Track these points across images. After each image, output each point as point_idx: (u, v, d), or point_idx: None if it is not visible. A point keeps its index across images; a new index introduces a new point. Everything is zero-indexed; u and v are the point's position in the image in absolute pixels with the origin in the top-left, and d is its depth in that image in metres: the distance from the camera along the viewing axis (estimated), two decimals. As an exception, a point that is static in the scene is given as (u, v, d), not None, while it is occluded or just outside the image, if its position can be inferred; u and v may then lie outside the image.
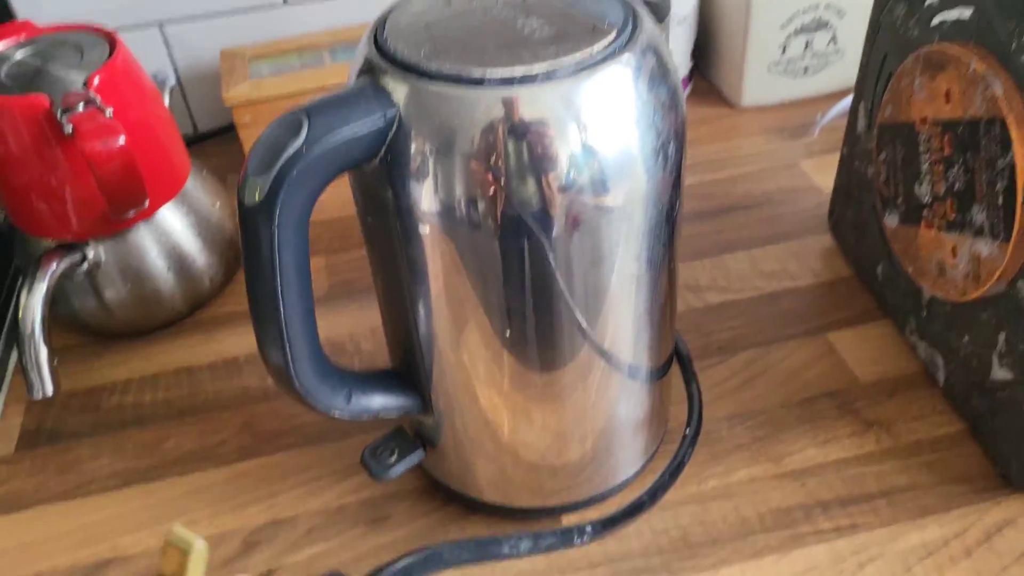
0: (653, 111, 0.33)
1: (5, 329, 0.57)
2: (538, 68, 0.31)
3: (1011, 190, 0.38)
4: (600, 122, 0.32)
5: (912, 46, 0.45)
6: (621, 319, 0.38)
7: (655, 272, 0.37)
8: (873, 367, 0.50)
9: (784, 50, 0.69)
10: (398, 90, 0.32)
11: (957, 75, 0.40)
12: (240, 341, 0.56)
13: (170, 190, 0.54)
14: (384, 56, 0.33)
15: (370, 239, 0.38)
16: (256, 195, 0.31)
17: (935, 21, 0.43)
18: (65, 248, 0.51)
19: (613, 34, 0.33)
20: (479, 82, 0.31)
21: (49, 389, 0.48)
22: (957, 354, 0.45)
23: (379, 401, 0.40)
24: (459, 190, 0.32)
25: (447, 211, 0.33)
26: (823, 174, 0.65)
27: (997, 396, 0.42)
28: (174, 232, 0.55)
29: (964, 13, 0.41)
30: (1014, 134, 0.37)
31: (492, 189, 0.32)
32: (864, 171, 0.52)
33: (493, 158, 0.32)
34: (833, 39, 0.69)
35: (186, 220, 0.55)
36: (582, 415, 0.40)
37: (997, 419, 0.43)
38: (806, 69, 0.70)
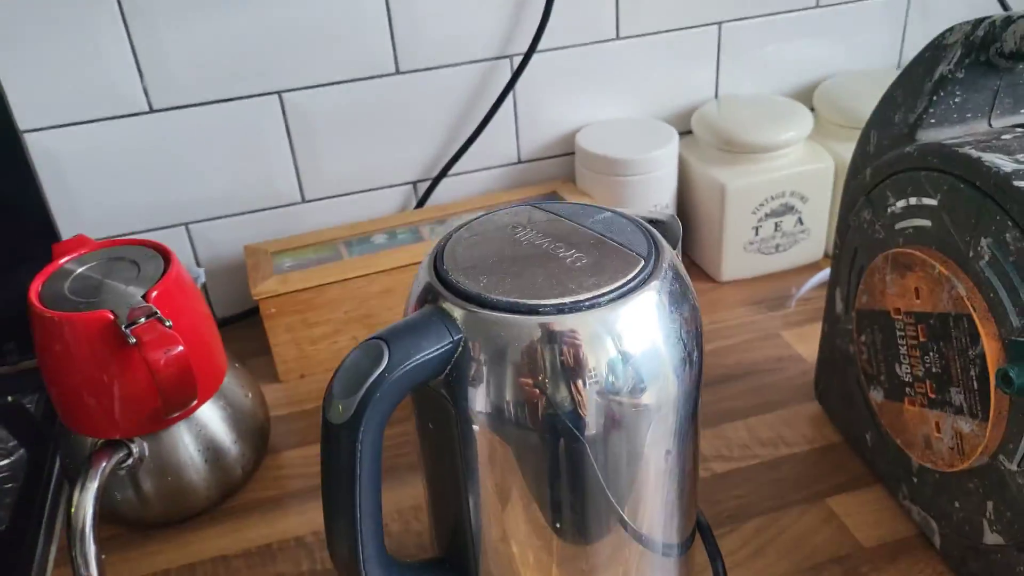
0: (679, 326, 0.39)
1: (43, 525, 0.59)
2: (582, 297, 0.37)
3: (984, 376, 0.43)
4: (635, 339, 0.37)
5: (880, 246, 0.52)
6: (653, 506, 0.42)
7: (683, 462, 0.42)
8: (873, 531, 0.54)
9: (757, 232, 0.77)
10: (463, 319, 0.37)
11: (924, 275, 0.47)
12: (272, 528, 0.58)
13: (213, 387, 0.57)
14: (446, 286, 0.38)
15: (426, 441, 0.42)
16: (341, 415, 0.35)
17: (899, 226, 0.50)
18: (113, 445, 0.54)
19: (641, 263, 0.39)
20: (534, 310, 0.36)
21: (95, 585, 0.50)
22: (950, 519, 0.50)
23: (434, 591, 0.42)
24: (513, 401, 0.37)
25: (501, 416, 0.37)
26: (804, 343, 0.71)
27: (991, 559, 0.47)
28: (210, 425, 0.58)
29: (924, 223, 0.48)
30: (981, 328, 0.43)
31: (542, 399, 0.37)
32: (846, 348, 0.58)
33: (542, 372, 0.36)
34: (799, 220, 0.77)
35: (222, 413, 0.59)
36: (621, 594, 0.44)
37: (993, 580, 0.47)
38: (777, 247, 0.78)
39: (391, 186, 0.78)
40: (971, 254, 0.44)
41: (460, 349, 0.37)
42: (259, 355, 0.72)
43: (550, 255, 0.40)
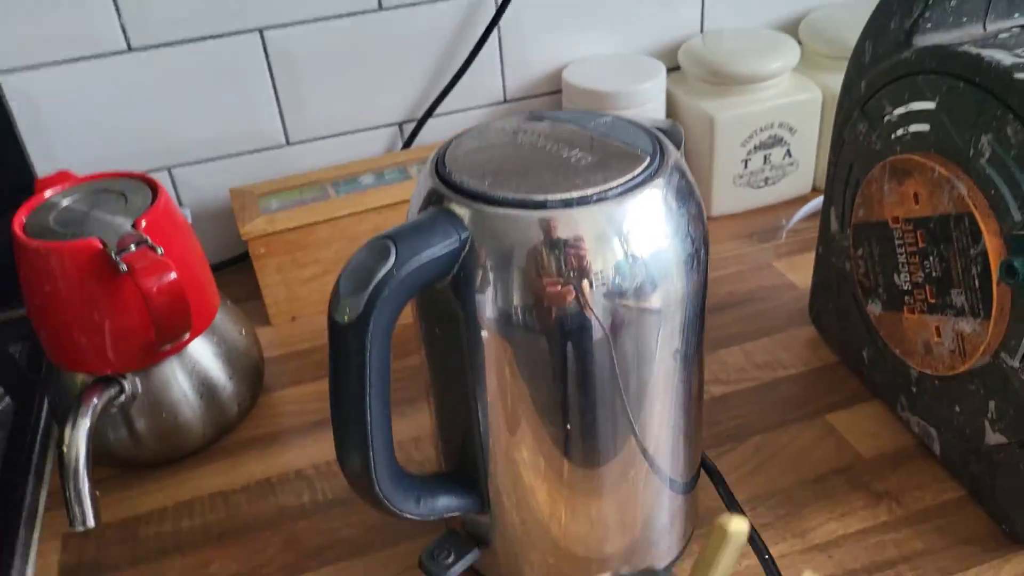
0: (687, 223, 0.38)
1: (32, 470, 0.58)
2: (590, 191, 0.36)
3: (986, 274, 0.44)
4: (642, 235, 0.37)
5: (877, 157, 0.51)
6: (664, 410, 0.42)
7: (690, 364, 0.42)
8: (873, 443, 0.54)
9: (746, 164, 0.76)
10: (468, 217, 0.36)
11: (923, 180, 0.47)
12: (270, 463, 0.58)
13: (205, 321, 0.56)
14: (451, 187, 0.38)
15: (432, 348, 0.41)
16: (348, 314, 0.35)
17: (895, 135, 0.50)
18: (105, 382, 0.53)
19: (647, 159, 0.38)
20: (541, 205, 0.36)
21: (91, 521, 0.49)
22: (950, 424, 0.50)
23: (443, 502, 0.42)
24: (521, 299, 0.36)
25: (509, 317, 0.37)
26: (795, 271, 0.71)
27: (993, 459, 0.47)
28: (204, 361, 0.57)
29: (922, 128, 0.48)
30: (982, 226, 0.43)
31: (553, 297, 0.36)
32: (842, 266, 0.58)
33: (553, 269, 0.36)
34: (788, 153, 0.77)
35: (216, 350, 0.58)
36: (630, 505, 0.43)
37: (996, 481, 0.47)
38: (767, 180, 0.78)
39: (377, 127, 0.77)
40: (971, 153, 0.44)
41: (467, 248, 0.36)
42: (249, 299, 0.71)
43: (554, 155, 0.39)
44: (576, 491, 0.42)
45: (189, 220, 0.68)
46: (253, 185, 0.73)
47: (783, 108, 0.75)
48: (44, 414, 0.62)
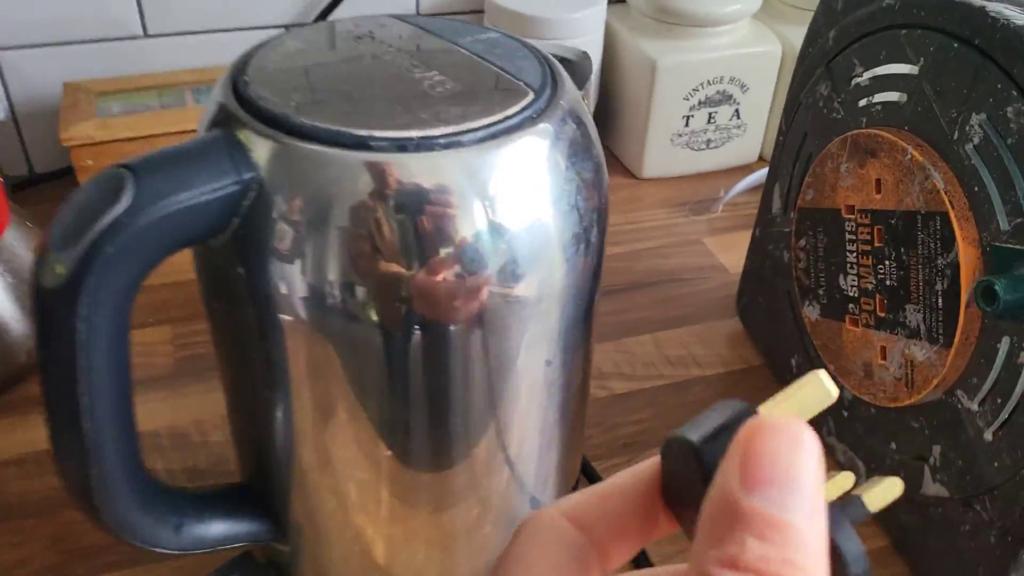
0: (575, 189, 0.28)
1: None
2: (440, 132, 0.25)
3: (953, 291, 0.34)
4: (512, 200, 0.26)
5: (837, 128, 0.42)
6: (527, 430, 0.32)
7: (569, 375, 0.32)
8: (789, 471, 0.46)
9: (687, 122, 0.66)
10: (260, 148, 0.25)
11: (890, 163, 0.37)
12: (61, 428, 0.46)
13: (-21, 245, 0.44)
14: (244, 105, 0.26)
15: (214, 324, 0.30)
16: (56, 276, 0.24)
17: (863, 103, 0.40)
18: None
19: (531, 96, 0.27)
20: (365, 144, 0.25)
21: None
22: (882, 461, 0.41)
23: (219, 528, 0.32)
24: (334, 274, 0.26)
25: (317, 299, 0.26)
26: (728, 252, 0.61)
27: (929, 513, 0.39)
28: (-17, 295, 0.45)
29: (897, 97, 0.38)
30: (957, 230, 0.34)
31: (377, 275, 0.26)
32: (779, 255, 0.48)
33: (378, 238, 0.25)
34: (736, 113, 0.67)
35: (1, 281, 0.46)
36: (476, 544, 0.34)
37: (929, 538, 0.39)
38: (709, 142, 0.68)
39: (257, 28, 0.64)
40: (955, 136, 0.34)
41: (255, 195, 0.25)
42: (79, 220, 0.58)
43: (403, 76, 0.28)
44: (406, 516, 0.32)
45: (3, 116, 0.55)
46: (93, 81, 0.59)
47: (737, 60, 0.64)
48: None
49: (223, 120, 0.26)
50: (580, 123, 0.29)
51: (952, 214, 0.34)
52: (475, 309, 0.27)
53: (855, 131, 0.39)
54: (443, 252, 0.26)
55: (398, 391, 0.29)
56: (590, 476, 0.44)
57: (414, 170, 0.25)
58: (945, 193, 0.34)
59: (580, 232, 0.28)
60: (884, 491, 0.17)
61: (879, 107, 0.39)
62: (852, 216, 0.40)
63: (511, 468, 0.32)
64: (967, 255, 0.34)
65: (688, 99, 0.65)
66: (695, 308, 0.57)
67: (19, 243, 0.47)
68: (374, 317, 0.27)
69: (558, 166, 0.27)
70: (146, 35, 0.62)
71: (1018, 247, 0.32)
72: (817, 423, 0.46)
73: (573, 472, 0.37)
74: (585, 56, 0.33)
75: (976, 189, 0.34)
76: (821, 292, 0.43)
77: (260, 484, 0.33)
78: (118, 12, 0.61)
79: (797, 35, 0.64)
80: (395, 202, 0.25)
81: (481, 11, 0.67)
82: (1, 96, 0.61)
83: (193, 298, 0.54)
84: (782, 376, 0.50)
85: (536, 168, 0.27)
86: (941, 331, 0.35)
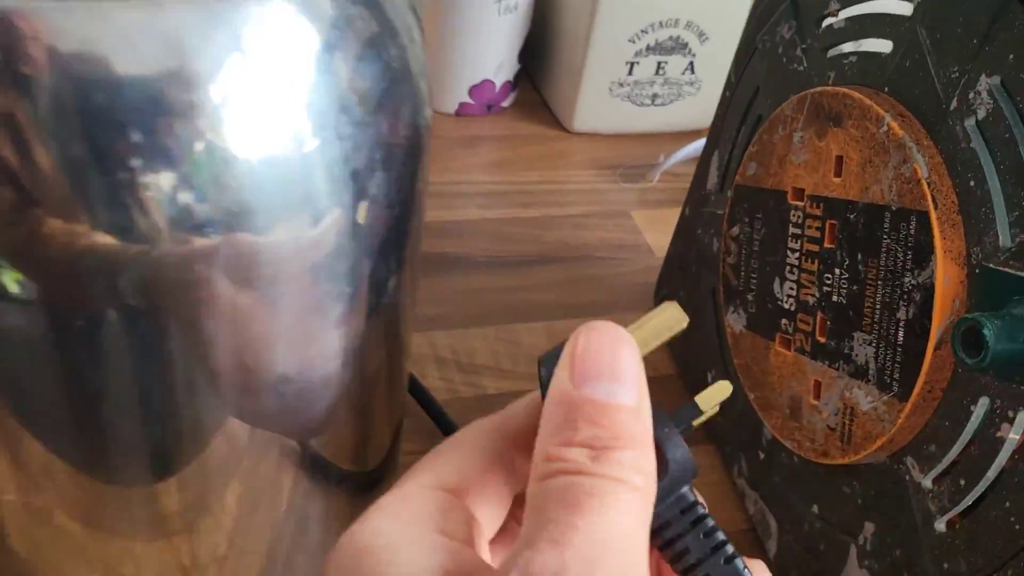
0: (356, 102, 0.17)
1: None
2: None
3: (920, 324, 0.24)
4: (248, 97, 0.16)
5: (796, 83, 0.31)
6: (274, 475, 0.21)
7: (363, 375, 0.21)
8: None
9: (631, 69, 0.55)
10: None
11: (859, 136, 0.27)
12: None
13: None
14: None
15: None
16: None
17: (834, 52, 0.30)
18: None
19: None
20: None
21: None
22: (799, 525, 0.32)
23: None
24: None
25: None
26: (657, 230, 0.51)
27: (848, 606, 0.29)
28: None
29: (881, 46, 0.27)
30: (938, 239, 0.24)
31: (17, 205, 0.15)
32: (708, 243, 0.38)
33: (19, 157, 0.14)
34: (691, 67, 0.56)
35: None
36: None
37: (843, 638, 0.30)
38: (655, 97, 0.57)
39: None
40: (953, 104, 0.24)
41: None
42: None
43: None
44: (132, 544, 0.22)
45: None
46: None
47: (697, 2, 0.53)
48: None
49: None
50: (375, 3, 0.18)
51: (933, 215, 0.24)
52: (185, 270, 0.17)
53: (818, 88, 0.29)
54: (136, 182, 0.15)
55: (62, 390, 0.18)
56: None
57: (65, 27, 0.14)
58: (927, 184, 0.24)
59: (359, 169, 0.17)
60: (715, 392, 0.19)
61: (853, 59, 0.29)
62: (800, 203, 0.30)
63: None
64: (947, 275, 0.24)
65: (634, 42, 0.54)
66: (606, 295, 0.47)
67: None
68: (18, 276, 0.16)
69: (325, 58, 0.17)
70: None
71: (1021, 274, 0.22)
72: (729, 460, 0.37)
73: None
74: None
75: (971, 184, 0.24)
76: (750, 298, 0.33)
77: None
78: None
79: (771, -21, 0.53)
80: (45, 91, 0.14)
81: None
82: None
83: None
84: (695, 389, 0.40)
85: (289, 50, 0.16)
86: (897, 375, 0.25)
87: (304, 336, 0.20)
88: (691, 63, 0.56)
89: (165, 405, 0.19)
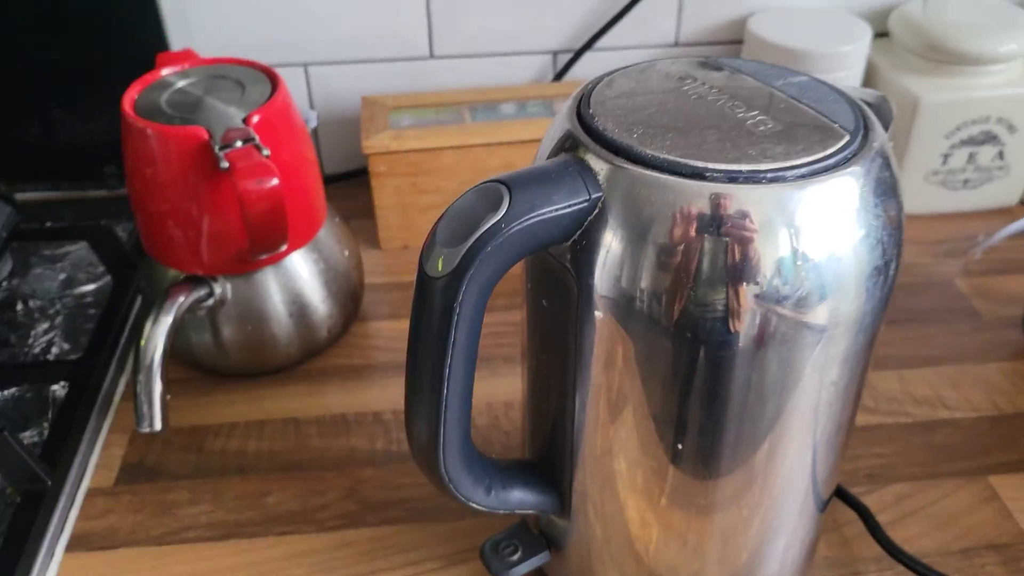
0: (881, 226, 0.30)
1: (116, 355, 0.56)
2: (765, 166, 0.28)
3: None
4: (822, 232, 0.29)
5: None
6: (798, 446, 0.34)
7: (844, 400, 0.34)
8: (1046, 524, 0.45)
9: (945, 160, 0.65)
10: (605, 173, 0.29)
11: None
12: (350, 398, 0.54)
13: (307, 235, 0.52)
14: (590, 133, 0.31)
15: (536, 318, 0.35)
16: (441, 266, 0.29)
17: None
18: (194, 281, 0.49)
19: (847, 137, 0.30)
20: (700, 174, 0.28)
21: (158, 424, 0.46)
22: None
23: (518, 496, 0.36)
24: (650, 283, 0.29)
25: (632, 304, 0.30)
26: (982, 298, 0.60)
27: None
28: (300, 278, 0.53)
29: None
30: None
31: (689, 288, 0.29)
32: None
33: (698, 255, 0.29)
34: (1000, 154, 0.65)
35: (315, 267, 0.53)
36: (736, 540, 0.36)
37: None
38: (966, 182, 0.66)
39: (530, 53, 0.70)
40: None
41: (597, 211, 0.29)
42: (363, 218, 0.67)
43: (726, 115, 0.31)
44: (675, 513, 0.35)
45: (313, 124, 0.64)
46: (387, 96, 0.67)
47: (1006, 100, 0.63)
48: (138, 300, 0.60)
49: (570, 145, 0.31)
50: (887, 163, 0.31)
51: None
52: (772, 329, 0.30)
53: None
54: (751, 274, 0.29)
55: (686, 395, 0.32)
56: (843, 497, 0.45)
57: (739, 199, 0.28)
58: None
59: (881, 265, 0.30)
60: None
61: None
62: None
63: (782, 480, 0.34)
64: None
65: (949, 137, 0.64)
66: (944, 350, 0.56)
67: (329, 236, 0.55)
68: (674, 326, 0.30)
69: (867, 203, 0.29)
70: (432, 56, 0.70)
71: None
72: None
73: (829, 492, 0.39)
74: (884, 100, 0.35)
75: None
76: None
77: (547, 463, 0.37)
78: (410, 35, 0.69)
79: (1078, 77, 0.62)
80: (722, 227, 0.28)
81: (740, 42, 0.70)
82: (307, 102, 0.71)
83: (507, 292, 0.60)
84: None
85: (848, 205, 0.29)
86: None
87: (832, 371, 0.32)
88: (1000, 151, 0.65)
89: (741, 409, 0.32)
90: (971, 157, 0.65)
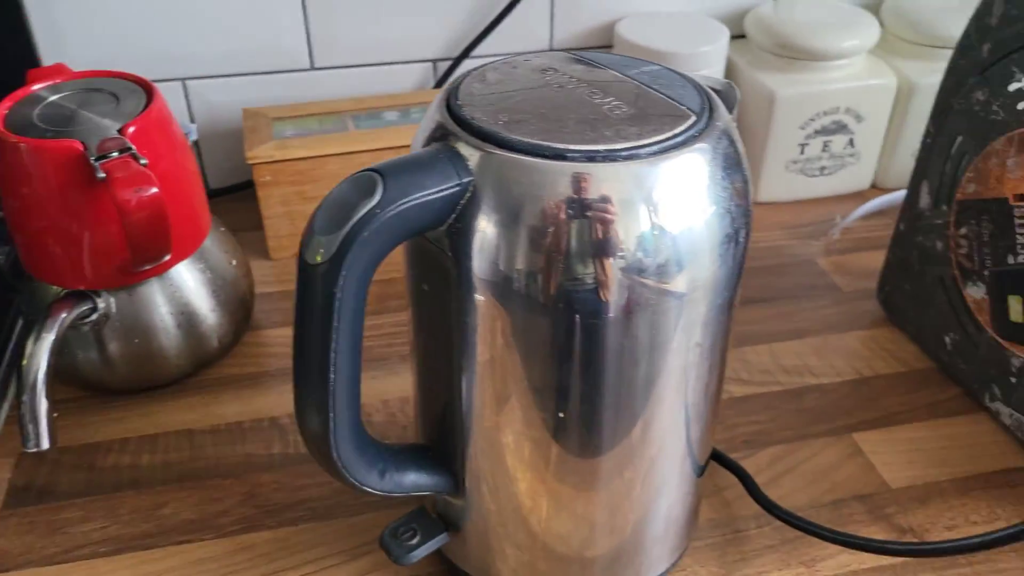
0: (728, 197, 0.33)
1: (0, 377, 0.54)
2: (620, 145, 0.31)
3: None
4: (676, 205, 0.31)
5: (999, 128, 0.46)
6: (672, 407, 0.36)
7: (710, 361, 0.36)
8: (903, 472, 0.49)
9: (803, 150, 0.70)
10: (475, 159, 0.31)
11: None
12: (245, 406, 0.54)
13: (191, 245, 0.52)
14: (459, 123, 0.32)
15: (419, 304, 0.36)
16: (320, 255, 0.30)
17: (1022, 105, 0.44)
18: (76, 297, 0.49)
19: (693, 118, 0.32)
20: (561, 155, 0.30)
21: (45, 443, 0.45)
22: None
23: (412, 478, 0.37)
24: (522, 261, 0.31)
25: (508, 283, 0.32)
26: (842, 273, 0.65)
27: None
28: (187, 288, 0.53)
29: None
30: None
31: (560, 264, 0.31)
32: (930, 245, 0.52)
33: (562, 231, 0.31)
34: (850, 142, 0.71)
35: (201, 277, 0.53)
36: (622, 506, 0.39)
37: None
38: (823, 169, 0.72)
39: (410, 61, 0.72)
40: None
41: (469, 194, 0.31)
42: (252, 230, 0.66)
43: (585, 102, 0.34)
44: (563, 484, 0.37)
45: (193, 137, 0.64)
46: (268, 108, 0.68)
47: (852, 92, 0.68)
48: (19, 325, 0.58)
49: (442, 136, 0.32)
50: (732, 141, 0.34)
51: None
52: (638, 298, 0.32)
53: (1021, 129, 0.44)
54: (615, 247, 0.31)
55: (564, 365, 0.34)
56: (722, 462, 0.48)
57: (600, 176, 0.30)
58: None
59: (732, 233, 0.33)
60: None
61: None
62: (1022, 203, 0.44)
63: (660, 442, 0.37)
64: None
65: (804, 128, 0.69)
66: (809, 323, 0.60)
67: (215, 246, 0.55)
68: (548, 301, 0.32)
69: (715, 177, 0.32)
70: (313, 67, 0.70)
71: None
72: (976, 390, 0.51)
73: (705, 455, 0.42)
74: (730, 86, 0.38)
75: None
76: (986, 273, 0.47)
77: (440, 444, 0.39)
78: (290, 47, 0.69)
79: (912, 69, 0.68)
80: (579, 203, 0.30)
81: (610, 46, 0.73)
82: (187, 116, 0.70)
83: (393, 294, 0.61)
84: (935, 355, 0.55)
85: (697, 179, 0.32)
86: None
87: (695, 333, 0.34)
88: (851, 139, 0.70)
89: (618, 376, 0.34)
90: (825, 146, 0.70)
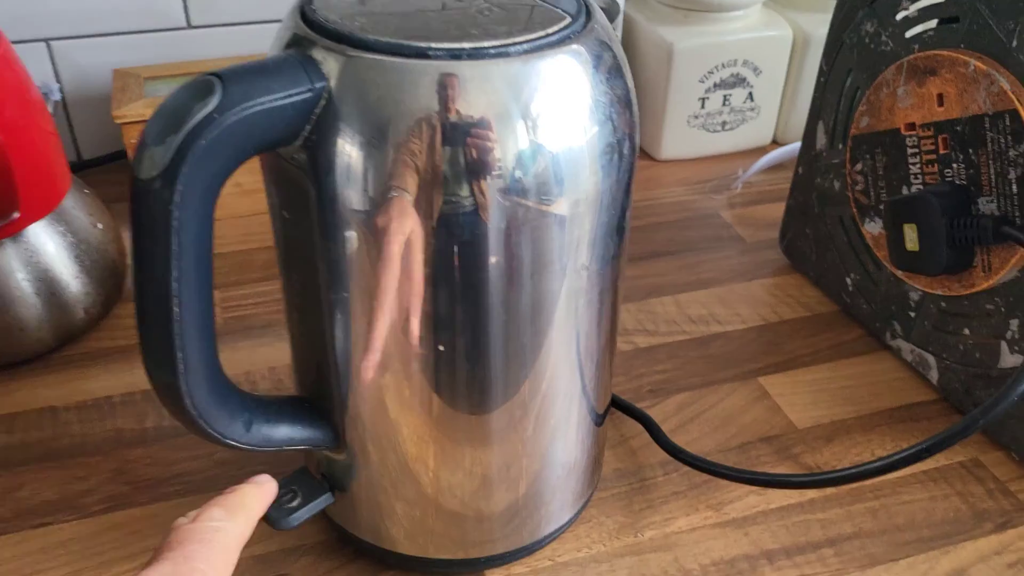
0: (609, 103, 0.30)
1: None
2: (488, 43, 0.28)
3: None
4: (553, 110, 0.29)
5: (887, 59, 0.45)
6: (564, 340, 0.34)
7: (603, 286, 0.34)
8: (808, 412, 0.48)
9: (703, 104, 0.69)
10: (329, 62, 0.28)
11: (952, 77, 0.41)
12: (116, 380, 0.49)
13: (45, 205, 0.47)
14: (314, 28, 0.29)
15: (283, 236, 0.33)
16: (154, 167, 0.26)
17: (911, 33, 0.44)
18: (-89, 262, 0.44)
19: (568, 20, 0.30)
20: (423, 53, 0.28)
21: None
22: (955, 349, 0.45)
23: (284, 432, 0.34)
24: (388, 179, 0.28)
25: (374, 203, 0.29)
26: (745, 225, 0.64)
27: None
28: (46, 253, 0.48)
29: (950, 21, 0.42)
30: (1026, 124, 0.37)
31: (427, 178, 0.28)
32: (828, 186, 0.52)
33: (430, 143, 0.28)
34: (750, 96, 0.70)
35: (61, 241, 0.49)
36: (515, 454, 0.36)
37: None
38: (724, 124, 0.71)
39: (294, 19, 0.68)
40: (1014, 44, 0.38)
41: (324, 102, 0.28)
42: (126, 200, 0.62)
43: (450, 4, 0.31)
44: (449, 428, 0.34)
45: (55, 97, 0.59)
46: (142, 67, 0.63)
47: (749, 44, 0.67)
48: None
49: (294, 43, 0.29)
50: (611, 49, 0.31)
51: (1021, 110, 0.38)
52: (519, 210, 0.29)
53: (909, 56, 0.43)
54: (490, 155, 0.28)
55: (440, 295, 0.31)
56: (627, 411, 0.46)
57: (467, 76, 0.28)
58: (1012, 93, 0.38)
59: (614, 143, 0.31)
60: None
61: (931, 33, 0.43)
62: (913, 132, 0.44)
63: (551, 379, 0.34)
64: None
65: (703, 81, 0.68)
66: (714, 273, 0.59)
67: (77, 208, 0.51)
68: (425, 219, 0.29)
69: (594, 81, 0.30)
70: (189, 26, 0.66)
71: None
72: (878, 329, 0.50)
73: (605, 400, 0.40)
74: (614, 3, 0.36)
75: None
76: (882, 207, 0.47)
77: (319, 396, 0.36)
78: (164, 5, 0.65)
79: (806, 21, 0.68)
80: (450, 108, 0.28)
81: (505, 2, 0.71)
82: (52, 78, 0.65)
83: (239, 266, 0.57)
84: (837, 296, 0.54)
85: (575, 80, 0.29)
86: (1018, 214, 0.39)
87: (582, 255, 0.32)
88: (750, 93, 0.70)
89: (501, 300, 0.32)
90: (725, 100, 0.69)
